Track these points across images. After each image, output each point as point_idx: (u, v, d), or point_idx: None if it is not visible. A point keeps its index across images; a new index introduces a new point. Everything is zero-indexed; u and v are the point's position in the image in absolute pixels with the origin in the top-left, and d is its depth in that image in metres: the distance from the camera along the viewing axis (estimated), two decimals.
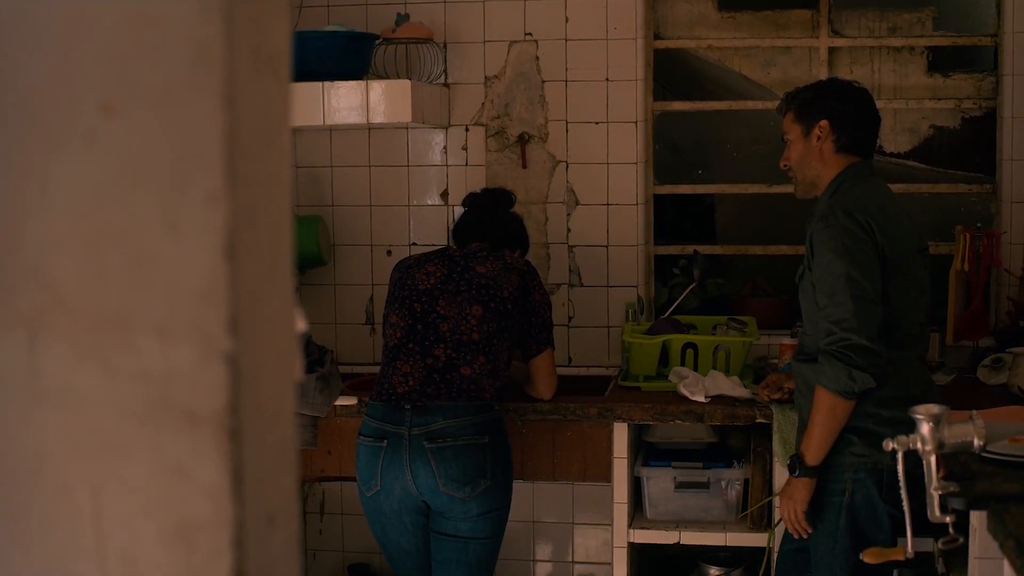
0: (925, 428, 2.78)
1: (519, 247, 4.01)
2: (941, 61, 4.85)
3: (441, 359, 3.61)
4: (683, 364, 4.26)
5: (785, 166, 3.61)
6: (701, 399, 4.01)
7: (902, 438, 2.83)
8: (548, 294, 3.88)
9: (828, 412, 3.28)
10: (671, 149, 5.23)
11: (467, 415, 3.53)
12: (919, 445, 2.79)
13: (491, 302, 3.66)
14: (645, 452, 4.29)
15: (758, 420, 3.97)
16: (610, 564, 4.21)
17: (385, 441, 3.54)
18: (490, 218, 3.94)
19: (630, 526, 4.14)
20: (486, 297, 3.67)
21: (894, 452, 2.87)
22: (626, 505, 4.11)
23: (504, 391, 3.84)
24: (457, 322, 3.64)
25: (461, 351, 3.61)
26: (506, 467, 3.63)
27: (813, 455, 3.34)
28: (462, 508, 3.53)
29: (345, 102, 4.35)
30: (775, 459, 3.95)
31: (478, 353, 3.62)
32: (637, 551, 4.30)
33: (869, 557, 3.08)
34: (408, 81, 4.36)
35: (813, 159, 3.51)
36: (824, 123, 3.48)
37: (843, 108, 3.50)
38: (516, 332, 3.74)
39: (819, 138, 3.49)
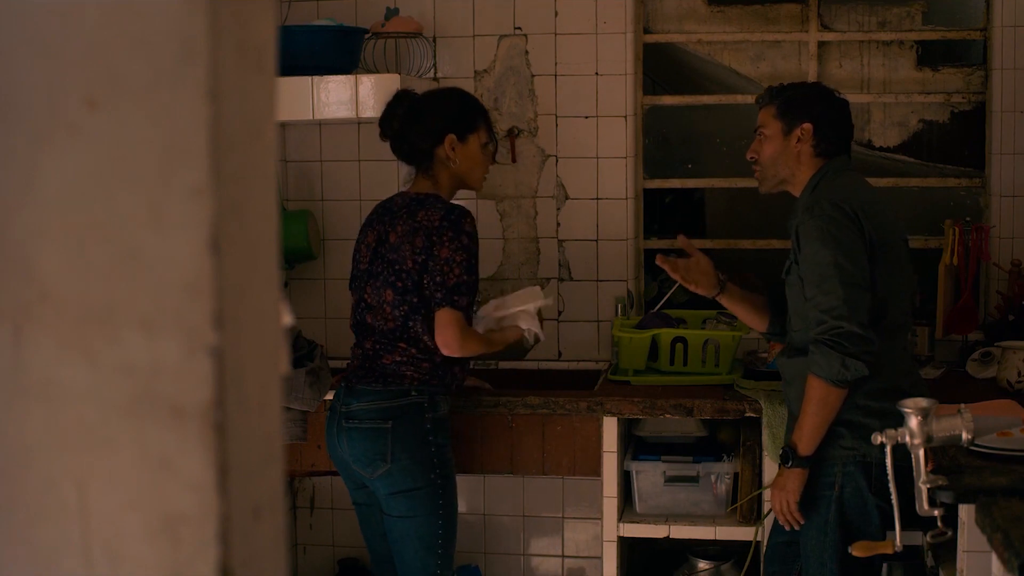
0: (913, 421, 2.79)
1: (455, 127, 3.75)
2: (930, 55, 4.86)
3: (370, 351, 3.72)
4: (672, 358, 4.26)
5: (752, 158, 3.61)
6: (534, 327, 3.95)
7: (890, 431, 2.83)
8: (467, 249, 3.62)
9: (820, 402, 3.29)
10: (660, 143, 5.23)
11: (378, 400, 3.65)
12: (907, 439, 2.79)
13: (398, 281, 3.65)
14: (635, 446, 4.29)
15: (748, 414, 3.97)
16: (600, 558, 4.21)
17: (329, 414, 3.79)
18: (405, 136, 3.79)
19: (620, 520, 4.14)
20: (393, 276, 3.65)
21: (883, 445, 2.88)
22: (616, 499, 4.12)
23: (442, 368, 3.70)
24: (377, 311, 3.70)
25: (383, 341, 3.69)
26: (419, 450, 3.63)
27: (805, 445, 3.34)
28: (372, 485, 3.70)
29: (335, 96, 4.35)
30: (764, 453, 3.96)
31: (397, 341, 3.67)
32: (627, 545, 4.30)
33: (858, 550, 3.09)
34: (397, 75, 4.36)
35: (789, 159, 3.52)
36: (808, 126, 3.49)
37: (828, 115, 3.51)
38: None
39: (799, 140, 3.50)
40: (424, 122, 3.75)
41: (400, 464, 3.62)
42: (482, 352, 3.81)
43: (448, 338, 3.61)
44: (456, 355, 3.66)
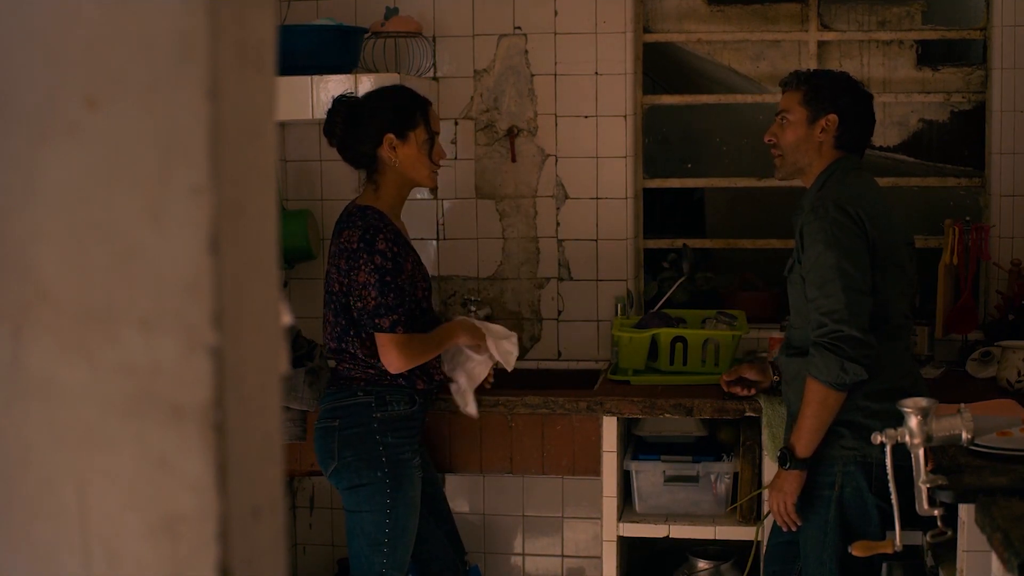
0: (913, 421, 2.78)
1: (393, 127, 3.71)
2: (930, 55, 4.86)
3: (331, 361, 3.87)
4: (672, 358, 4.26)
5: (771, 141, 3.57)
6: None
7: (890, 431, 2.83)
8: (380, 270, 3.61)
9: (819, 404, 3.29)
10: (660, 143, 5.23)
11: (329, 401, 3.77)
12: (907, 438, 2.79)
13: (331, 303, 3.74)
14: (634, 446, 4.29)
15: (747, 414, 3.97)
16: (599, 558, 4.21)
17: None
18: (347, 143, 3.79)
19: (619, 520, 4.14)
20: (329, 298, 3.76)
21: (882, 445, 2.88)
22: (615, 499, 4.12)
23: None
24: (325, 328, 3.81)
25: (334, 354, 3.80)
26: (365, 448, 3.69)
27: (804, 447, 3.34)
28: (331, 483, 3.82)
29: (334, 96, 4.34)
30: (764, 452, 3.96)
31: (343, 354, 3.76)
32: (626, 545, 4.30)
33: (858, 550, 3.09)
34: (397, 75, 4.35)
35: (811, 148, 3.49)
36: (833, 117, 3.46)
37: (854, 108, 3.48)
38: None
39: (823, 130, 3.47)
40: (363, 126, 3.74)
41: (345, 461, 3.71)
42: (431, 354, 3.75)
43: (388, 360, 3.65)
44: (404, 370, 3.67)
